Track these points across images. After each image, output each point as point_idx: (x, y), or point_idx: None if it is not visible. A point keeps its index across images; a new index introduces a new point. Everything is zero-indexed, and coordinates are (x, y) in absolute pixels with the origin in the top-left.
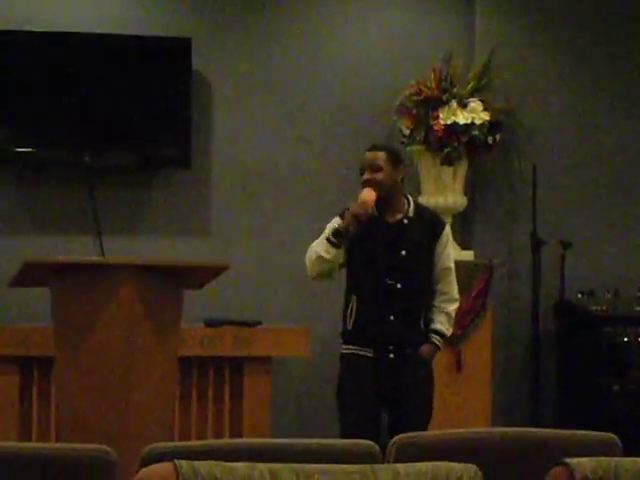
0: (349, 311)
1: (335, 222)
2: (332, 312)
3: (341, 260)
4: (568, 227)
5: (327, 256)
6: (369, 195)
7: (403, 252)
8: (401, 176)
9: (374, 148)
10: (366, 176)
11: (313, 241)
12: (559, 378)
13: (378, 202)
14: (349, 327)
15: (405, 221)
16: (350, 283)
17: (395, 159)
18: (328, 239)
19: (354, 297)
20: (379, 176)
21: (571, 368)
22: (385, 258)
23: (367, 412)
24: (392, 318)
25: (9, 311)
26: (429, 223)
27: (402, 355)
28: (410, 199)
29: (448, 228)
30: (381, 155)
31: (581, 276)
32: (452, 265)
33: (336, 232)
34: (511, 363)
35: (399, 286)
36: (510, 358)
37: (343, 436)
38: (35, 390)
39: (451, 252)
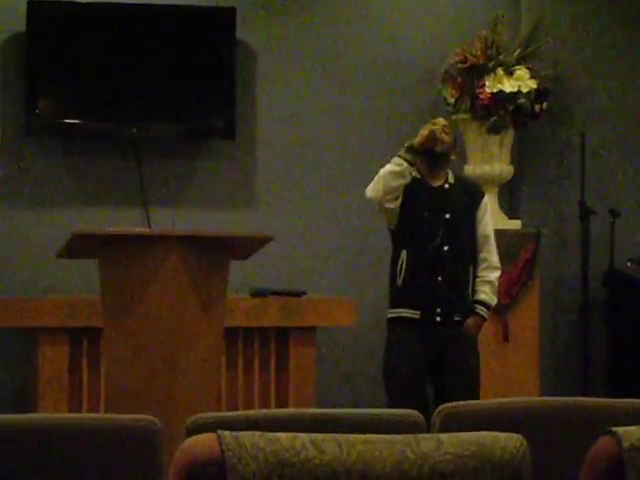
0: (399, 268)
1: (394, 162)
2: (377, 283)
3: (408, 179)
4: (617, 195)
5: (398, 169)
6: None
7: (447, 215)
8: (454, 151)
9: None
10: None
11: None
12: (608, 347)
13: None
14: (399, 284)
15: (446, 186)
16: (398, 243)
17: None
18: (399, 155)
19: (404, 252)
20: (447, 136)
21: (621, 337)
22: (431, 221)
23: (414, 381)
24: (440, 279)
25: (58, 282)
26: (468, 190)
27: (449, 321)
28: (449, 170)
29: (486, 198)
30: (449, 126)
31: (630, 244)
32: (492, 233)
33: (409, 147)
34: (560, 332)
35: (446, 248)
36: (559, 327)
37: (390, 405)
38: (85, 361)
39: (490, 221)
